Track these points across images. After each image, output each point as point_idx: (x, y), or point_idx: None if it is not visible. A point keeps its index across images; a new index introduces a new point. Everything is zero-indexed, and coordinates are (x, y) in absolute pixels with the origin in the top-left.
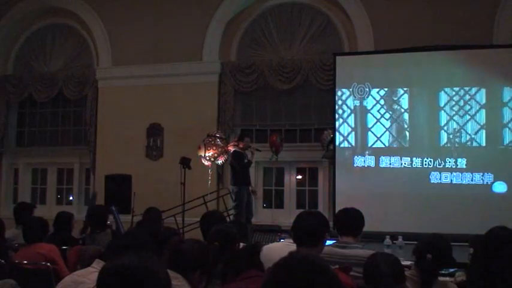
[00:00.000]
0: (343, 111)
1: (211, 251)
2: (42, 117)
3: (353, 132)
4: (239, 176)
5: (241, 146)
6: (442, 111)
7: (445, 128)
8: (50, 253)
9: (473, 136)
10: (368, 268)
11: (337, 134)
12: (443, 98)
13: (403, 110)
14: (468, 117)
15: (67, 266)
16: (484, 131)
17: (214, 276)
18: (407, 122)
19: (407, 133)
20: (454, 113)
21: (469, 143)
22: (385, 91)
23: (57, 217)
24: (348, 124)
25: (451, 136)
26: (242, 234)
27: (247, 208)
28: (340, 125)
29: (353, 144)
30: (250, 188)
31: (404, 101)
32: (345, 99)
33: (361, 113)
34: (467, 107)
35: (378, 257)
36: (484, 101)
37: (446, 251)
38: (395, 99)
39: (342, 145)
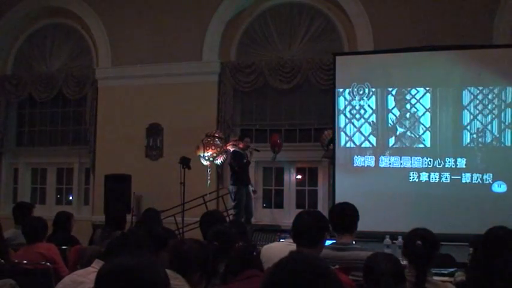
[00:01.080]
0: (365, 111)
1: (211, 251)
2: (41, 117)
3: (374, 132)
4: (238, 176)
5: (241, 146)
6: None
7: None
8: (49, 252)
9: (497, 135)
10: (367, 268)
11: (358, 134)
12: (443, 97)
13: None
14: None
15: (67, 266)
16: (510, 131)
17: (214, 277)
18: (425, 122)
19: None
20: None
21: (494, 143)
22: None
23: (56, 217)
24: (369, 124)
25: (474, 135)
26: (241, 234)
27: (247, 208)
28: (361, 125)
29: (374, 144)
30: (250, 187)
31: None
32: (368, 99)
33: (383, 112)
34: (487, 106)
35: (378, 257)
36: (509, 100)
37: (433, 237)
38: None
39: (363, 145)
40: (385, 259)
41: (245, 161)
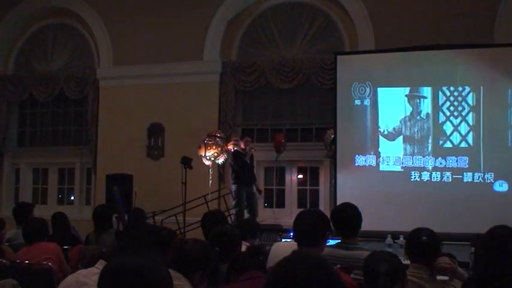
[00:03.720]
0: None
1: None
2: (43, 117)
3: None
4: (238, 176)
5: (242, 146)
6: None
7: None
8: (52, 251)
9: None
10: (366, 267)
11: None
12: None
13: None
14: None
15: (68, 265)
16: None
17: (216, 277)
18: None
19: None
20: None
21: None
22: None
23: (53, 217)
24: (411, 124)
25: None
26: (253, 232)
27: (251, 208)
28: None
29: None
30: (254, 187)
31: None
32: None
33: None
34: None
35: (375, 255)
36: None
37: (436, 236)
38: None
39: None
40: (382, 258)
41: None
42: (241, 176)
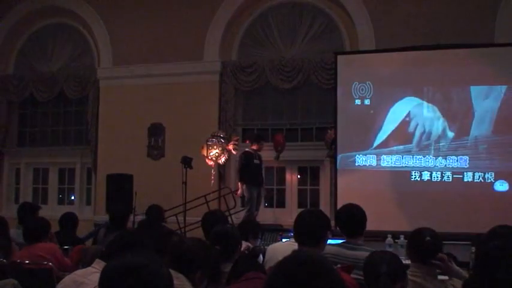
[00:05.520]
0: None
1: (213, 254)
2: (43, 117)
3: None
4: (243, 176)
5: (254, 147)
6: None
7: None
8: (49, 253)
9: None
10: (366, 267)
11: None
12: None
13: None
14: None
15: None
16: None
17: (217, 277)
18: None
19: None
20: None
21: None
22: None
23: (63, 217)
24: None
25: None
26: (255, 233)
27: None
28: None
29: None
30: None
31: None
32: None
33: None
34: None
35: (376, 255)
36: None
37: (438, 236)
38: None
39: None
40: (383, 258)
41: (255, 161)
42: (249, 176)
